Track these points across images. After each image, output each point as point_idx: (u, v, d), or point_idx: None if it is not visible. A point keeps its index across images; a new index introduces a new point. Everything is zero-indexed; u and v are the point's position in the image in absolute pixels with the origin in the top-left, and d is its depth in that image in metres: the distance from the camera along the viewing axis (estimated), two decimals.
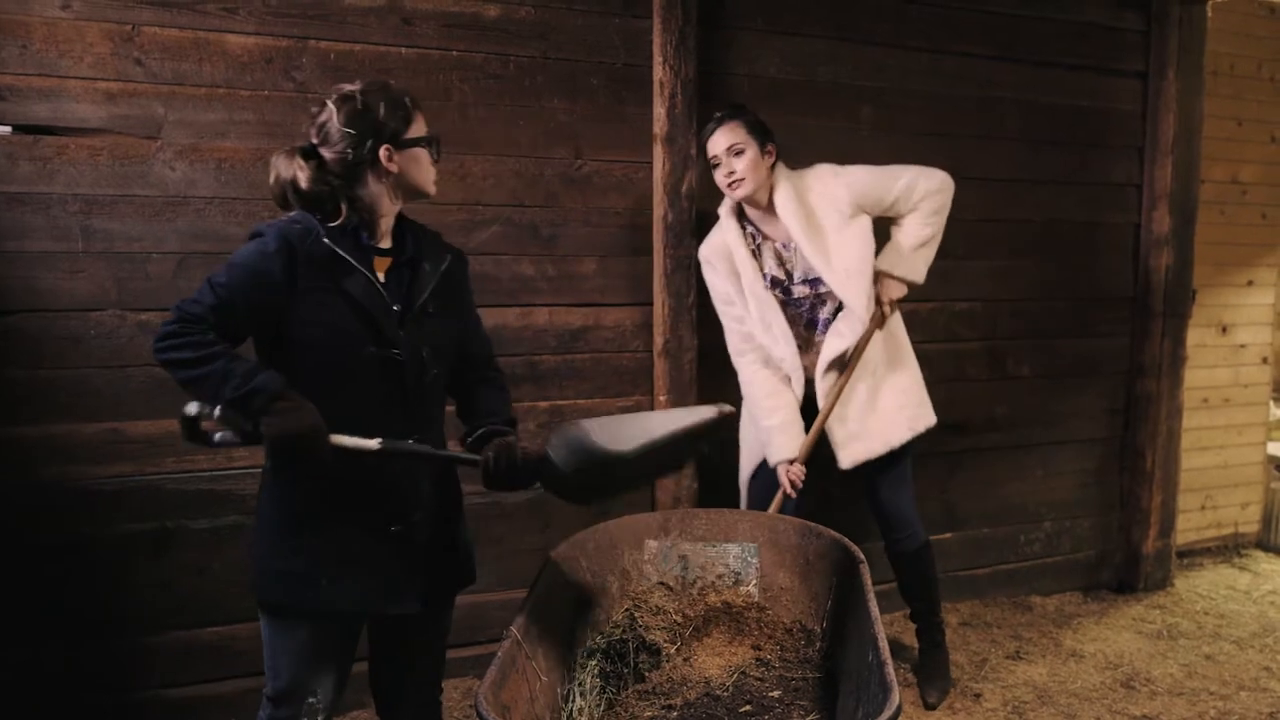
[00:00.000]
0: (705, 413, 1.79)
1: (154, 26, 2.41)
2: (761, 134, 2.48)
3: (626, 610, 2.06)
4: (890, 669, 1.46)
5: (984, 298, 3.46)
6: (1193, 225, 3.67)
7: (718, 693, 1.86)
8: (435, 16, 2.67)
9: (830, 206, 2.50)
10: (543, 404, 2.89)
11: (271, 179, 1.69)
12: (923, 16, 3.23)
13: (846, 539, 2.08)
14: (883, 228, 2.63)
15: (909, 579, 2.81)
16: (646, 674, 1.93)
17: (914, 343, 2.78)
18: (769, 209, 2.52)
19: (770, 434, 2.60)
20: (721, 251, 2.60)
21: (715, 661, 2.01)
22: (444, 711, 2.71)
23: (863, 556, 1.96)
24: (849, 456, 2.59)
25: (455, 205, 2.73)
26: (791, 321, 2.59)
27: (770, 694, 1.86)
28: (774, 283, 2.58)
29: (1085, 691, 2.87)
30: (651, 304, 2.96)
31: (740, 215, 2.61)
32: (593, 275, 2.92)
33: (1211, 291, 4.09)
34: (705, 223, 2.85)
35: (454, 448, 1.84)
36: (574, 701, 1.82)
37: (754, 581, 2.21)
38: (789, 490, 2.54)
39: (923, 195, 2.55)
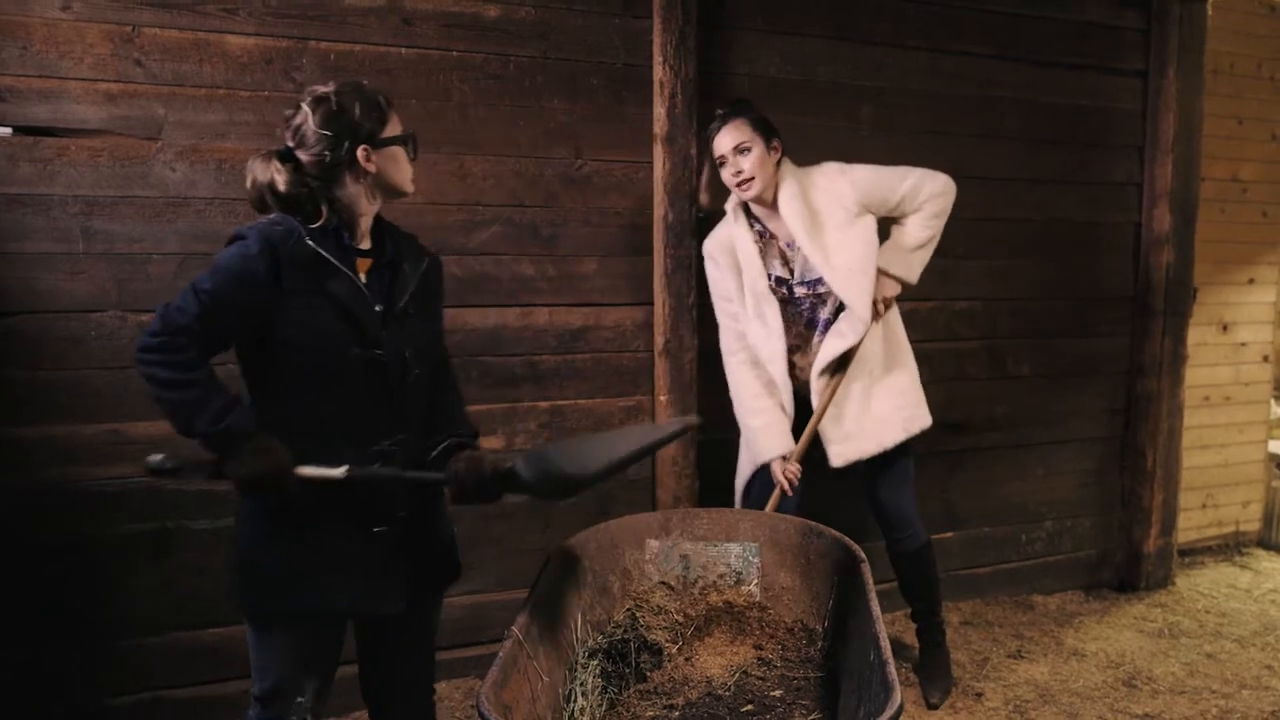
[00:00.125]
0: (670, 427, 1.88)
1: (154, 27, 2.41)
2: (766, 130, 2.48)
3: (628, 610, 2.06)
4: (892, 668, 1.46)
5: (984, 297, 3.46)
6: (1193, 224, 3.67)
7: (719, 692, 1.86)
8: (435, 17, 2.67)
9: (835, 204, 2.50)
10: (543, 404, 2.89)
11: (248, 183, 1.68)
12: (922, 16, 3.24)
13: (847, 538, 2.08)
14: (882, 230, 2.62)
15: (910, 579, 2.80)
16: (648, 673, 1.93)
17: (914, 342, 2.77)
18: (774, 206, 2.52)
19: (755, 434, 2.60)
20: (725, 246, 2.60)
21: (717, 661, 2.01)
22: (446, 712, 2.72)
23: (864, 556, 1.96)
24: (840, 456, 2.58)
25: (455, 205, 2.74)
26: (791, 321, 2.59)
27: (772, 693, 1.86)
28: (778, 281, 2.57)
29: (1087, 690, 2.87)
30: (652, 304, 2.96)
31: (748, 211, 2.62)
32: (593, 275, 2.92)
33: (1212, 290, 4.09)
34: (705, 223, 2.86)
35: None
36: (575, 701, 1.82)
37: (755, 581, 2.21)
38: (785, 488, 2.53)
39: (927, 197, 2.55)
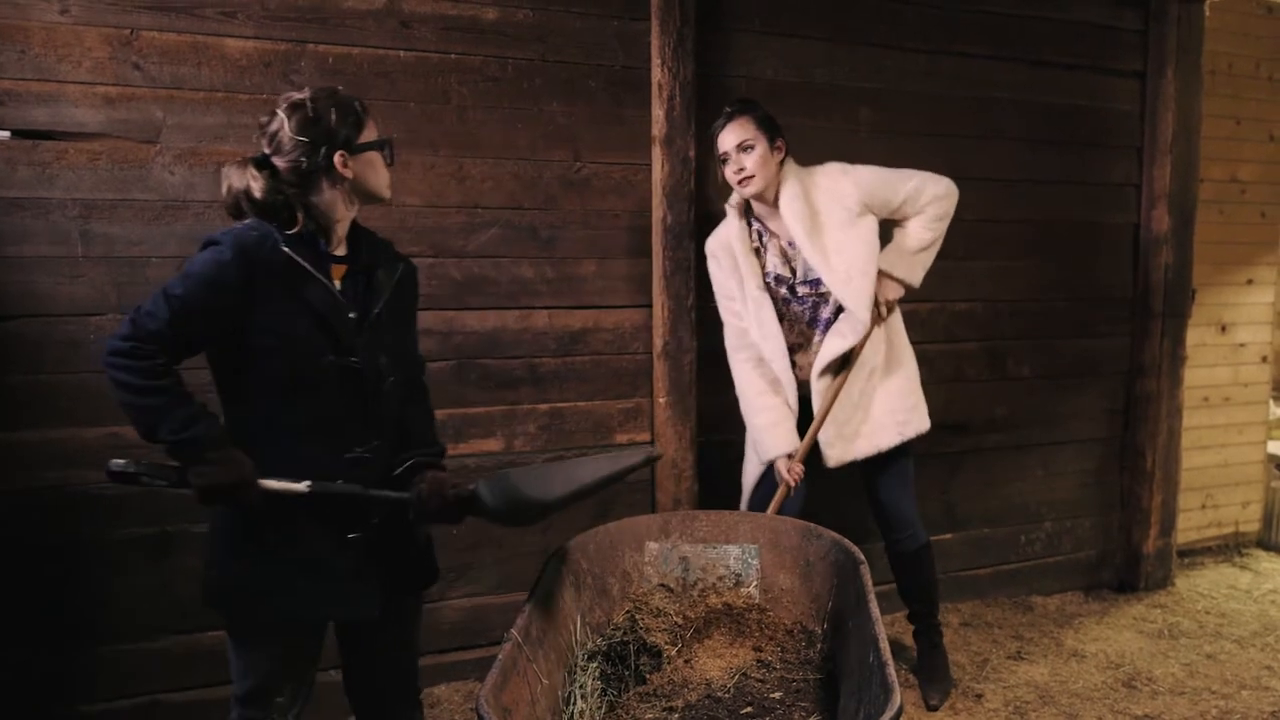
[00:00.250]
0: (632, 458, 1.90)
1: (152, 31, 2.41)
2: (771, 129, 2.48)
3: (627, 612, 2.06)
4: (891, 670, 1.46)
5: (983, 298, 3.46)
6: (1192, 225, 3.67)
7: (719, 694, 1.86)
8: (433, 20, 2.67)
9: (837, 204, 2.50)
10: (543, 406, 2.90)
11: (224, 189, 1.67)
12: (920, 17, 3.24)
13: (847, 540, 2.08)
14: (885, 234, 2.62)
15: (908, 580, 2.80)
16: (647, 676, 1.93)
17: (913, 343, 2.77)
18: (775, 205, 2.52)
19: (759, 432, 2.60)
20: (726, 246, 2.60)
21: (716, 663, 2.01)
22: (445, 714, 2.72)
23: (863, 558, 1.96)
24: (835, 457, 2.59)
25: (454, 208, 2.74)
26: (794, 320, 2.59)
27: (771, 695, 1.86)
28: (778, 280, 2.57)
29: (1087, 691, 2.86)
30: (651, 306, 2.96)
31: (747, 211, 2.62)
32: (592, 277, 2.92)
33: (1211, 291, 4.09)
34: (704, 224, 2.86)
35: None
36: (575, 704, 1.82)
37: (755, 583, 2.21)
38: (789, 481, 2.52)
39: (930, 199, 2.55)
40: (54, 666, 2.45)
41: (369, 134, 1.73)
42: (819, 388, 2.56)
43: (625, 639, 1.97)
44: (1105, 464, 3.77)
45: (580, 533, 2.17)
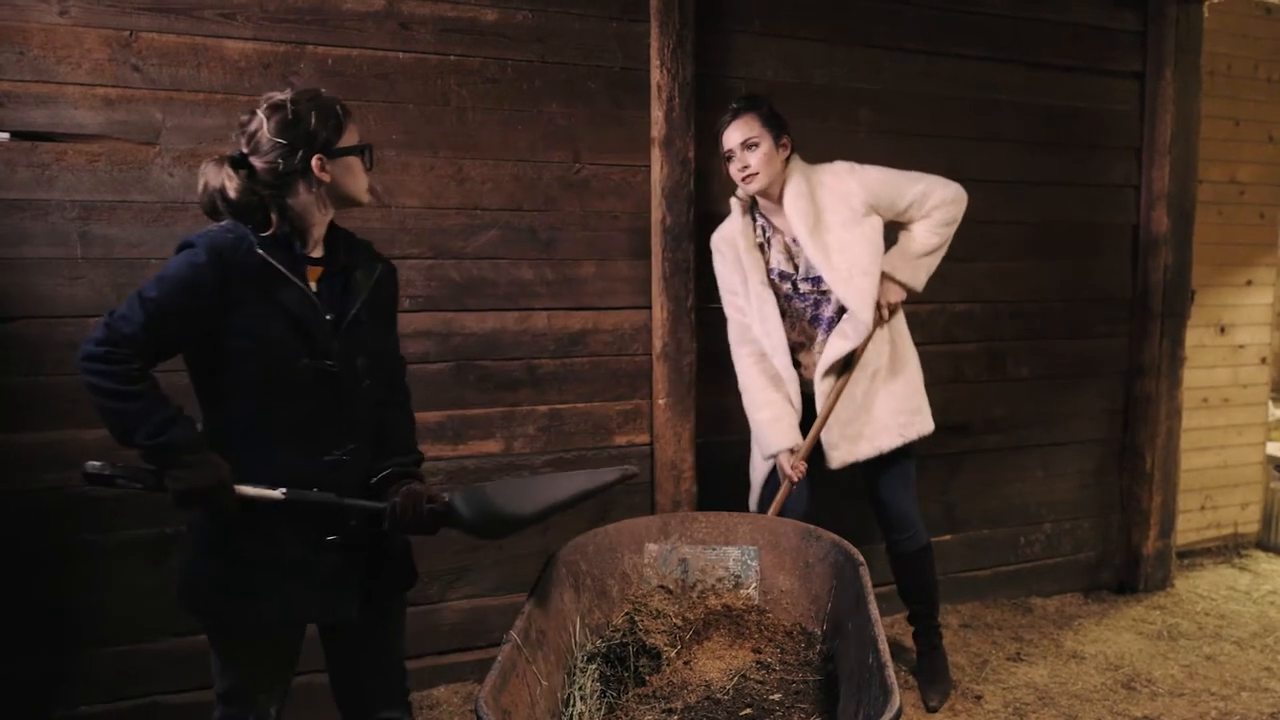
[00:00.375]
0: (608, 475, 1.91)
1: (151, 32, 2.41)
2: (777, 126, 2.48)
3: (627, 614, 2.06)
4: (891, 671, 1.46)
5: (983, 299, 3.47)
6: (1191, 225, 3.68)
7: (718, 696, 1.86)
8: (433, 21, 2.67)
9: (842, 203, 2.49)
10: (542, 408, 2.89)
11: (200, 187, 1.66)
12: (919, 18, 3.24)
13: (846, 541, 2.09)
14: (889, 237, 2.62)
15: (908, 580, 2.80)
16: (647, 677, 1.93)
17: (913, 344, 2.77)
18: (780, 202, 2.51)
19: (761, 427, 2.60)
20: (731, 240, 2.60)
21: (716, 665, 2.01)
22: (445, 716, 2.72)
23: (862, 559, 1.96)
24: (838, 457, 2.59)
25: (453, 209, 2.74)
26: (796, 317, 2.59)
27: (771, 697, 1.86)
28: (782, 276, 2.57)
29: (1086, 693, 2.86)
30: (650, 307, 2.96)
31: (752, 207, 2.62)
32: (591, 279, 2.92)
33: (1210, 291, 4.09)
34: (704, 226, 2.86)
35: None
36: (574, 705, 1.82)
37: (754, 584, 2.21)
38: (792, 476, 2.52)
39: (937, 204, 2.55)
40: (54, 668, 2.45)
41: (349, 138, 1.72)
42: (823, 389, 2.56)
43: (624, 640, 1.97)
44: (1104, 465, 3.77)
45: (579, 535, 2.17)
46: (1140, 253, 3.67)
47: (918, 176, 2.56)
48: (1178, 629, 3.39)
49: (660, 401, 2.97)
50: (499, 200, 2.79)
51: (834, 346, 2.52)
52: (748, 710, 1.81)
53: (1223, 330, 4.19)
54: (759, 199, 2.57)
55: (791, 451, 2.55)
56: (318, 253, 1.75)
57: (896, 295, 2.60)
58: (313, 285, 1.70)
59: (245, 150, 1.67)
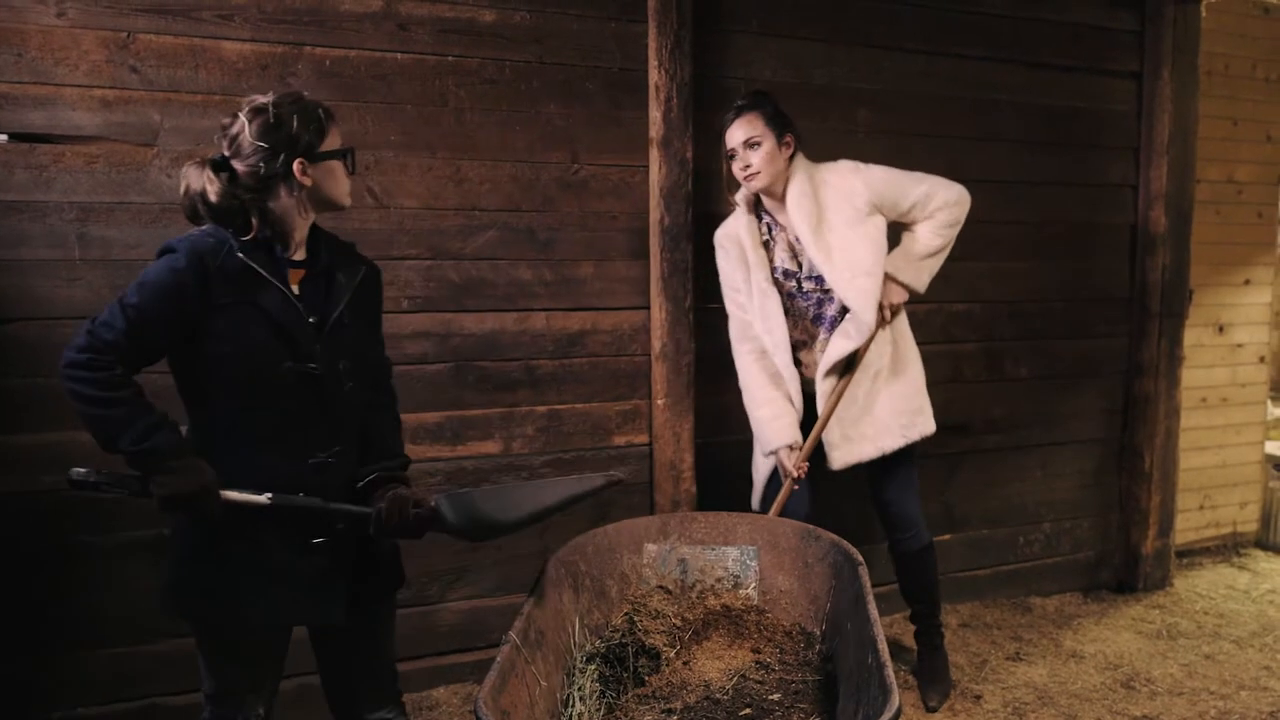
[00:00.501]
0: (594, 481, 1.93)
1: (149, 34, 2.41)
2: (780, 125, 2.47)
3: (626, 614, 2.06)
4: (890, 671, 1.46)
5: (981, 299, 3.47)
6: (1189, 225, 3.68)
7: (717, 696, 1.86)
8: (430, 22, 2.67)
9: (845, 202, 2.49)
10: (541, 408, 2.89)
11: (182, 190, 1.66)
12: (917, 18, 3.24)
13: (845, 541, 2.09)
14: (894, 237, 2.62)
15: (911, 579, 2.80)
16: (646, 678, 1.93)
17: None
18: (784, 200, 2.51)
19: (761, 424, 2.60)
20: (734, 237, 2.60)
21: (715, 665, 2.01)
22: (444, 717, 2.72)
23: (861, 559, 1.96)
24: (840, 458, 2.58)
25: (452, 210, 2.74)
26: (799, 315, 2.59)
27: (770, 697, 1.86)
28: (786, 275, 2.57)
29: (1085, 692, 2.87)
30: (649, 308, 2.96)
31: (757, 204, 2.62)
32: (590, 279, 2.92)
33: (1208, 291, 4.10)
34: (702, 226, 2.86)
35: None
36: (573, 706, 1.82)
37: (753, 584, 2.21)
38: (793, 473, 2.52)
39: (940, 205, 2.54)
40: (52, 669, 2.45)
41: (331, 142, 1.72)
42: (824, 389, 2.55)
43: (624, 641, 1.97)
44: (1104, 465, 3.77)
45: (578, 535, 2.17)
46: (1138, 252, 3.67)
47: (921, 177, 2.56)
48: (1177, 628, 3.39)
49: (659, 402, 2.97)
50: (497, 201, 2.79)
51: (836, 346, 2.52)
52: (747, 710, 1.81)
53: (1221, 330, 4.19)
54: (763, 197, 2.57)
55: (791, 449, 2.55)
56: (300, 255, 1.75)
57: (899, 296, 2.60)
58: (295, 288, 1.70)
59: (227, 153, 1.66)
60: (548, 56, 2.80)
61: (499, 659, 1.58)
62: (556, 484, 1.94)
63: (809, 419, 2.60)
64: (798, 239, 2.54)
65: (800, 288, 2.57)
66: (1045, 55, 3.45)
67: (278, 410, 1.66)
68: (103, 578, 2.47)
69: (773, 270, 2.58)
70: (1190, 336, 3.88)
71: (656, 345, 2.95)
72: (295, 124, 1.65)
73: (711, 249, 2.71)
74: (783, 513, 2.48)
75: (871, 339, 2.52)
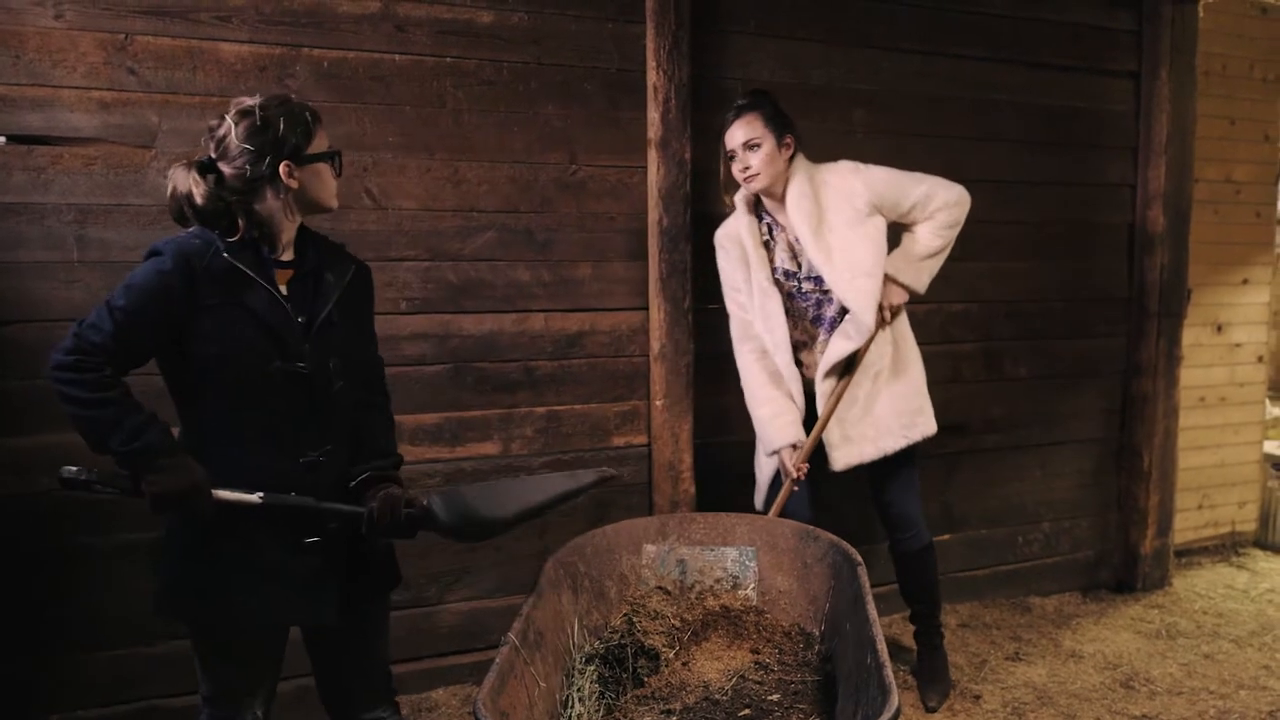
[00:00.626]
0: (586, 477, 1.92)
1: (147, 35, 2.41)
2: (780, 126, 2.47)
3: (625, 615, 2.06)
4: (889, 671, 1.46)
5: (980, 299, 3.47)
6: (1187, 225, 3.68)
7: (717, 697, 1.86)
8: (428, 23, 2.67)
9: (845, 202, 2.49)
10: (540, 409, 2.89)
11: (168, 192, 1.66)
12: (915, 19, 3.24)
13: (844, 542, 2.09)
14: (895, 237, 2.62)
15: (911, 579, 2.80)
16: (645, 679, 1.93)
17: None
18: (783, 200, 2.51)
19: (763, 424, 2.60)
20: (735, 237, 2.60)
21: (714, 665, 2.01)
22: (444, 718, 2.71)
23: (860, 559, 1.97)
24: (842, 459, 2.58)
25: (450, 211, 2.74)
26: (799, 315, 2.59)
27: (769, 697, 1.86)
28: (787, 275, 2.57)
29: (1085, 692, 2.87)
30: (648, 309, 2.96)
31: (757, 204, 2.61)
32: (589, 280, 2.92)
33: (1206, 291, 4.10)
34: (700, 227, 2.86)
35: None
36: (573, 707, 1.82)
37: (752, 585, 2.21)
38: (793, 473, 2.52)
39: (940, 206, 2.54)
40: (52, 671, 2.45)
41: (318, 144, 1.72)
42: (824, 389, 2.55)
43: (623, 642, 1.97)
44: (1102, 464, 3.77)
45: (577, 536, 2.17)
46: (1137, 252, 3.68)
47: (921, 178, 2.55)
48: (1176, 628, 3.39)
49: (658, 403, 2.97)
50: (495, 202, 2.79)
51: (836, 347, 2.52)
52: (746, 711, 1.81)
53: (1219, 329, 4.19)
54: (763, 197, 2.57)
55: (793, 448, 2.55)
56: (288, 256, 1.75)
57: (899, 297, 2.60)
58: (283, 288, 1.70)
59: (214, 155, 1.66)
60: (546, 57, 2.80)
61: (498, 660, 1.58)
62: (549, 480, 1.93)
63: (810, 420, 2.60)
64: (797, 239, 2.54)
65: (800, 288, 2.57)
66: (1044, 55, 3.45)
67: (267, 410, 1.67)
68: (102, 579, 2.47)
69: (773, 270, 2.58)
70: (1189, 336, 3.88)
71: (655, 346, 2.95)
72: (282, 126, 1.65)
73: (710, 249, 2.71)
74: (784, 514, 2.48)
75: (871, 340, 2.52)
